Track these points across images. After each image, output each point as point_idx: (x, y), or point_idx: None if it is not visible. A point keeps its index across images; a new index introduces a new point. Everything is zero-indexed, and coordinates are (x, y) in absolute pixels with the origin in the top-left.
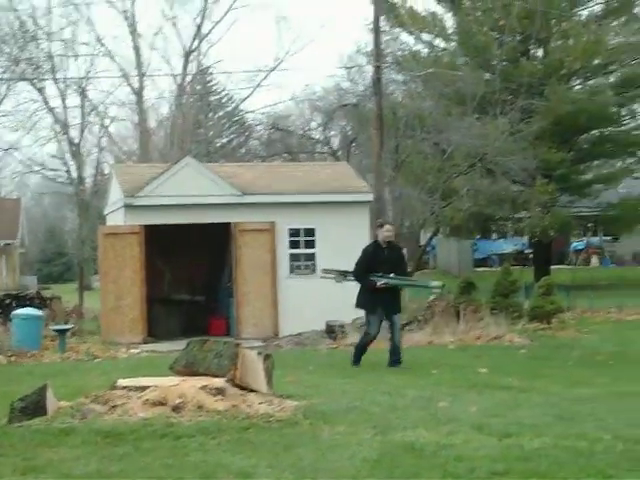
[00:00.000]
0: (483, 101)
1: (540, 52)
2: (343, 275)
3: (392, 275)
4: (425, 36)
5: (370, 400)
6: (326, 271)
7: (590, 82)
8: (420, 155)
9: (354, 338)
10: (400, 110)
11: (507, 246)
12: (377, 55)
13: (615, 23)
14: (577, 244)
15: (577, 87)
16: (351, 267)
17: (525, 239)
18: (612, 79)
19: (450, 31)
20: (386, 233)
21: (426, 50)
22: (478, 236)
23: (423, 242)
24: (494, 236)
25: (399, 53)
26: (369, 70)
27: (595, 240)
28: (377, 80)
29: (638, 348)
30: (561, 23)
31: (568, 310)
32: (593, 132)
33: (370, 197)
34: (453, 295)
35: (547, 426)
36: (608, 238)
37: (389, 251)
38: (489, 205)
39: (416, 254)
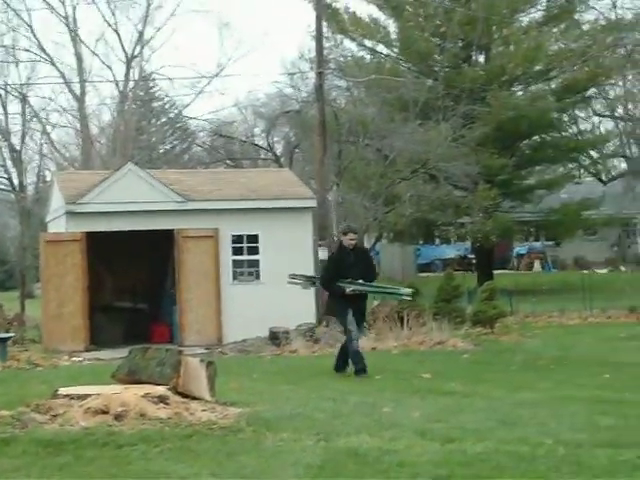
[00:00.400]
0: (426, 107)
1: (482, 58)
2: (311, 281)
3: (361, 281)
4: (368, 42)
5: (314, 406)
6: (293, 277)
7: (531, 88)
8: (363, 161)
9: (298, 344)
10: (343, 116)
11: (450, 251)
12: (319, 61)
13: (555, 29)
14: (519, 249)
15: (518, 93)
16: (297, 272)
17: (468, 244)
18: (553, 85)
19: (392, 37)
20: (350, 240)
21: (369, 56)
22: (421, 241)
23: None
24: (437, 241)
25: (342, 59)
26: (312, 76)
27: (537, 245)
28: (319, 86)
29: (580, 352)
30: (502, 29)
31: (511, 315)
32: (534, 138)
33: (313, 203)
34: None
35: (489, 431)
36: (550, 243)
37: (356, 255)
38: (432, 210)
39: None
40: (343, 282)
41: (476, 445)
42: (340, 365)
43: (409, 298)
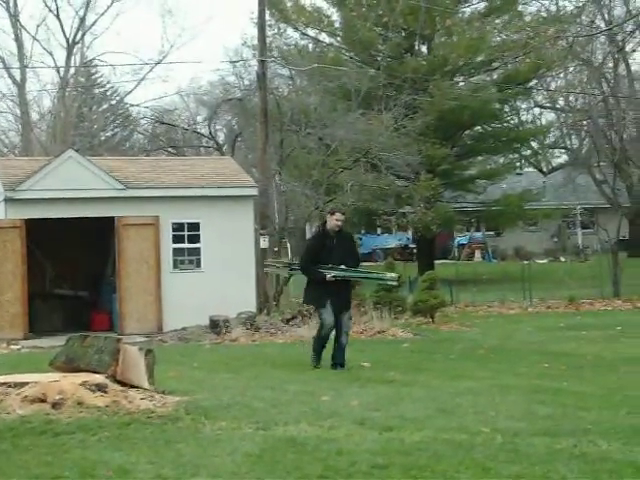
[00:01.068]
0: (368, 96)
1: (424, 48)
2: (288, 267)
3: (343, 267)
4: (311, 31)
5: (253, 395)
6: (270, 263)
7: (473, 79)
8: (305, 150)
9: (238, 333)
10: (285, 105)
11: (392, 241)
12: (262, 49)
13: (498, 21)
14: (460, 239)
15: (461, 83)
16: (237, 260)
17: (409, 234)
18: (495, 76)
19: (336, 26)
20: (336, 221)
21: (312, 45)
22: (363, 231)
23: (308, 236)
24: (379, 231)
25: (285, 48)
26: (254, 64)
27: (478, 235)
28: (262, 74)
29: (519, 341)
30: (445, 20)
31: (451, 304)
32: (476, 128)
33: (255, 191)
34: None
35: (428, 419)
36: (491, 233)
37: (339, 240)
38: (373, 200)
39: (301, 249)
40: (324, 267)
41: (414, 434)
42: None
43: (395, 283)
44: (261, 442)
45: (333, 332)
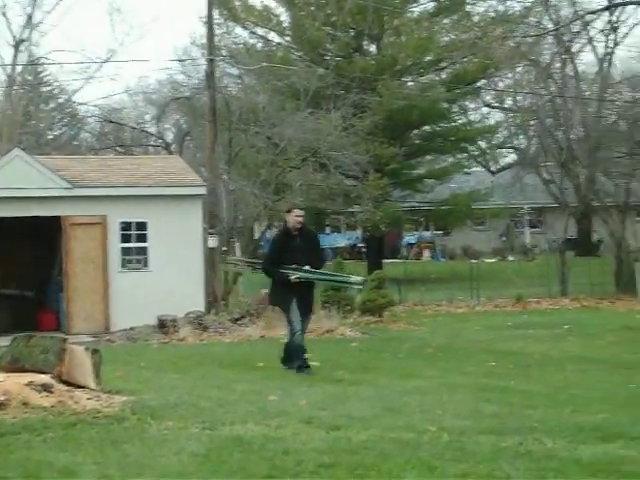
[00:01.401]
0: (316, 96)
1: (373, 48)
2: (252, 266)
3: (307, 267)
4: (259, 30)
5: (199, 395)
6: (232, 261)
7: (422, 78)
8: (253, 149)
9: (186, 332)
10: (234, 104)
11: (341, 240)
12: (210, 48)
13: (447, 21)
14: (409, 238)
15: (409, 83)
16: (185, 260)
17: (359, 233)
18: (444, 75)
19: (284, 26)
20: (296, 218)
21: (260, 44)
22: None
23: (257, 236)
24: (328, 230)
25: (234, 47)
26: (203, 63)
27: (427, 234)
28: (210, 73)
29: (466, 340)
30: (393, 20)
31: (400, 303)
32: (425, 128)
33: (203, 190)
34: None
35: (375, 418)
36: (439, 232)
37: (302, 238)
38: (322, 199)
39: (250, 248)
40: (287, 268)
41: (361, 433)
42: (287, 358)
43: (360, 287)
44: (207, 442)
45: None
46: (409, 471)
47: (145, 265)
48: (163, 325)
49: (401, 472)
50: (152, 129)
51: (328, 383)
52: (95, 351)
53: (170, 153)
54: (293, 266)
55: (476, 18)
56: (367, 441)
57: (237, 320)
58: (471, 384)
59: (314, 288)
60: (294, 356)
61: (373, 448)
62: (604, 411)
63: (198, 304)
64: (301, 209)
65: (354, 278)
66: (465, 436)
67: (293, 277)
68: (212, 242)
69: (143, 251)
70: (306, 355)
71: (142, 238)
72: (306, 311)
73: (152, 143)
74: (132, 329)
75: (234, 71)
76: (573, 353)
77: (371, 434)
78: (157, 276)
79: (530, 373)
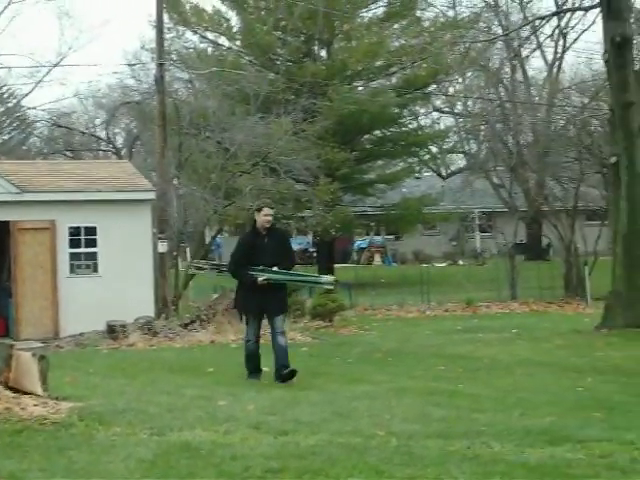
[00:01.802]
0: (267, 100)
1: (324, 53)
2: (216, 269)
3: (275, 268)
4: (210, 34)
5: (148, 400)
6: (196, 264)
7: (372, 83)
8: (203, 154)
9: (135, 338)
10: (184, 108)
11: (292, 245)
12: (160, 52)
13: (397, 26)
14: (360, 243)
15: (360, 88)
16: (135, 265)
17: (309, 238)
18: (394, 80)
19: (234, 30)
20: (265, 217)
21: (211, 48)
22: None
23: (208, 241)
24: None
25: (184, 51)
26: (153, 67)
27: (378, 239)
28: (160, 78)
29: (416, 344)
30: (344, 25)
31: (350, 308)
32: (375, 132)
33: (152, 195)
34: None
35: (324, 423)
36: (390, 237)
37: (271, 239)
38: (273, 204)
39: (200, 253)
40: (254, 270)
41: (309, 437)
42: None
43: (331, 287)
44: (155, 448)
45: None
46: (357, 475)
47: (94, 270)
48: (112, 331)
49: (349, 477)
50: (102, 134)
51: (277, 388)
52: (42, 357)
53: (120, 158)
54: (261, 267)
55: (426, 23)
56: (315, 446)
57: (187, 325)
58: (420, 388)
59: (285, 291)
60: (246, 364)
61: (321, 453)
62: (552, 414)
63: (148, 309)
64: (271, 208)
65: (325, 278)
66: (413, 440)
67: (261, 279)
68: (162, 247)
69: (92, 256)
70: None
71: (91, 243)
72: (279, 311)
73: (102, 148)
74: (81, 335)
75: (184, 75)
76: (522, 357)
77: (319, 439)
78: (106, 281)
79: (479, 377)
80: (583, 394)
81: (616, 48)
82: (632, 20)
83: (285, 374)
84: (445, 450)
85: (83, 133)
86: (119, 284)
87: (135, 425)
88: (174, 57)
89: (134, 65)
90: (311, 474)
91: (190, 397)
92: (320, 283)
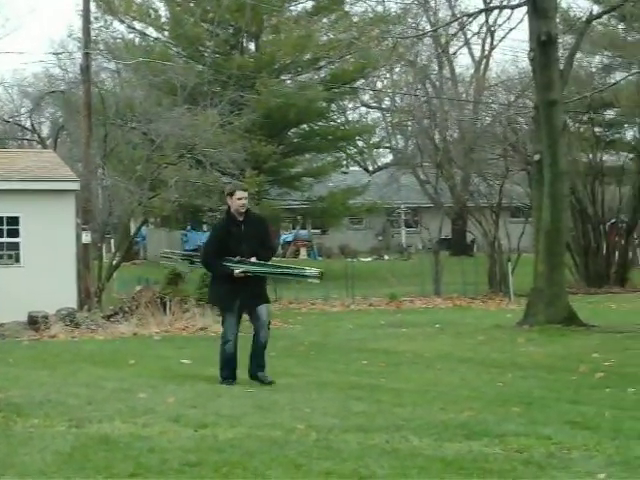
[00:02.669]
0: (194, 92)
1: (252, 46)
2: (189, 259)
3: (254, 259)
4: (138, 25)
5: (68, 392)
6: (167, 255)
7: (300, 77)
8: (129, 144)
9: (57, 329)
10: (110, 98)
11: None
12: (86, 42)
13: (325, 20)
14: (286, 236)
15: (288, 81)
16: (58, 256)
17: None
18: (322, 74)
19: (163, 21)
20: (239, 201)
21: (138, 39)
22: (189, 227)
23: (133, 232)
24: (205, 227)
25: (111, 41)
26: (80, 57)
27: (304, 232)
28: (86, 67)
29: (339, 339)
30: (272, 18)
31: (275, 301)
32: (303, 126)
33: (76, 185)
34: (160, 286)
35: (244, 416)
36: (317, 231)
37: (248, 226)
38: (198, 196)
39: (125, 244)
40: (231, 261)
41: (229, 431)
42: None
43: (317, 281)
44: (73, 440)
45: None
46: (275, 469)
47: (17, 260)
48: (34, 322)
49: (266, 470)
50: (27, 123)
51: (199, 381)
52: None
53: (45, 147)
54: (237, 258)
55: (355, 18)
56: (234, 439)
57: (110, 317)
58: (341, 382)
59: (264, 283)
60: (220, 364)
61: (240, 446)
62: (471, 409)
63: (71, 301)
64: (244, 190)
65: (310, 271)
66: (332, 434)
67: (237, 271)
68: (86, 238)
69: (15, 246)
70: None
71: (14, 233)
72: (259, 301)
73: (27, 137)
74: (2, 325)
75: (111, 65)
76: (444, 352)
77: (239, 432)
78: (29, 272)
79: (401, 371)
80: (503, 389)
81: (541, 47)
82: (558, 19)
83: (264, 381)
84: (364, 444)
85: (7, 122)
86: (42, 275)
87: (54, 417)
88: (101, 47)
89: (60, 54)
90: (229, 467)
91: (110, 389)
92: (304, 276)
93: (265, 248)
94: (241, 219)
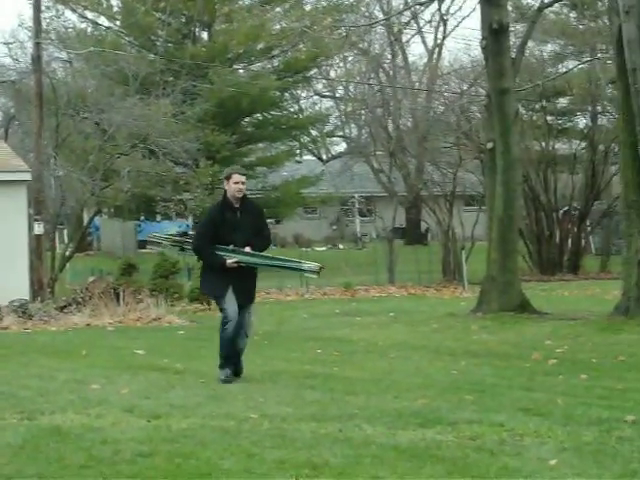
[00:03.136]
0: (146, 82)
1: (205, 35)
2: (179, 246)
3: (248, 249)
4: (89, 14)
5: (19, 384)
6: (155, 240)
7: (253, 66)
8: (81, 135)
9: (9, 321)
10: (62, 88)
11: (172, 227)
12: (37, 31)
13: (278, 9)
14: None
15: (241, 71)
16: (9, 247)
17: (189, 221)
18: (275, 64)
19: (115, 10)
20: (236, 185)
21: (90, 28)
22: (142, 217)
23: (86, 223)
24: (159, 217)
25: (63, 30)
26: (31, 46)
27: None
28: (37, 57)
29: (293, 328)
30: (225, 7)
31: None
32: (256, 115)
33: (28, 176)
34: (113, 276)
35: (197, 406)
36: (271, 220)
37: (245, 214)
38: (151, 186)
39: (78, 235)
40: (224, 250)
41: (182, 421)
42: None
43: (315, 276)
44: (25, 432)
45: None
46: (228, 458)
47: None
48: None
49: (219, 460)
50: None
51: (152, 371)
52: None
53: None
54: (231, 247)
55: (308, 7)
56: (187, 429)
57: (63, 308)
58: (295, 371)
59: (255, 275)
60: (220, 350)
61: (193, 436)
62: (425, 397)
63: (23, 292)
64: (242, 174)
65: (308, 264)
66: (286, 423)
67: (230, 261)
68: (38, 229)
69: None
70: (241, 360)
71: None
72: (245, 301)
73: None
74: None
75: (63, 55)
76: (398, 340)
77: (192, 422)
78: None
79: (354, 360)
80: (456, 377)
81: (493, 35)
82: (510, 7)
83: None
84: (317, 433)
85: None
86: None
87: (5, 409)
88: (52, 36)
89: (11, 44)
90: (182, 457)
91: (63, 381)
92: (301, 270)
93: (261, 238)
94: (237, 205)
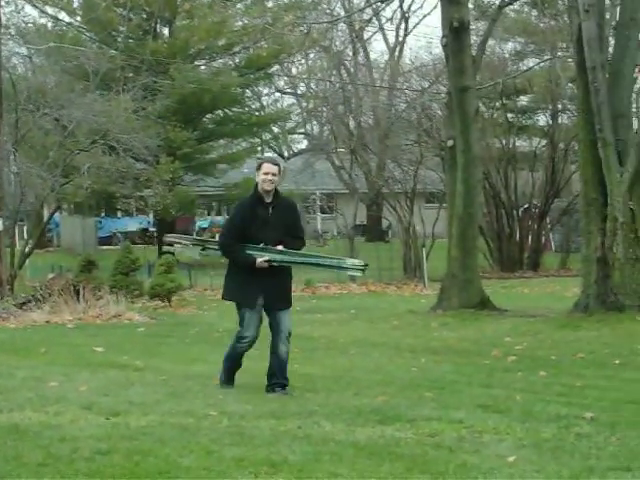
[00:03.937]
0: (107, 77)
1: (166, 31)
2: (200, 245)
3: (281, 247)
4: (50, 9)
5: None
6: (174, 239)
7: (215, 63)
8: (41, 131)
9: None
10: (21, 84)
11: (132, 224)
12: None
13: (240, 5)
14: (202, 223)
15: (202, 67)
16: None
17: (150, 217)
18: (237, 60)
19: (75, 5)
20: (265, 175)
21: (51, 24)
22: (103, 214)
23: (46, 219)
24: (119, 214)
25: (23, 25)
26: None
27: (219, 219)
28: None
29: None
30: (186, 3)
31: (190, 288)
32: (217, 112)
33: None
34: (73, 273)
35: (157, 404)
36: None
37: (277, 209)
38: (112, 183)
39: (38, 231)
40: (254, 248)
41: (141, 418)
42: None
43: (359, 274)
44: None
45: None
46: (186, 456)
47: None
48: None
49: (178, 457)
50: None
51: (112, 368)
52: None
53: None
54: (261, 245)
55: (270, 4)
56: (146, 427)
57: (22, 305)
58: (255, 368)
59: (289, 276)
60: (226, 363)
61: (152, 434)
62: (384, 394)
63: None
64: (274, 164)
65: (351, 261)
66: (245, 420)
67: (260, 259)
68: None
69: None
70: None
71: None
72: (282, 304)
73: None
74: None
75: (23, 50)
76: (358, 337)
77: (151, 420)
78: None
79: (315, 357)
80: (416, 374)
81: (454, 33)
82: (470, 5)
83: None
84: (276, 430)
85: None
86: None
87: None
88: (12, 31)
89: None
90: (141, 455)
91: (21, 378)
92: (344, 268)
93: (294, 239)
94: (269, 200)
